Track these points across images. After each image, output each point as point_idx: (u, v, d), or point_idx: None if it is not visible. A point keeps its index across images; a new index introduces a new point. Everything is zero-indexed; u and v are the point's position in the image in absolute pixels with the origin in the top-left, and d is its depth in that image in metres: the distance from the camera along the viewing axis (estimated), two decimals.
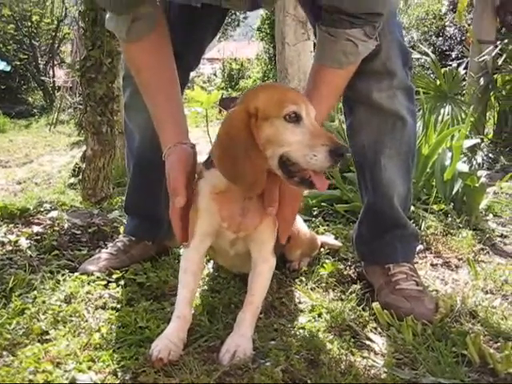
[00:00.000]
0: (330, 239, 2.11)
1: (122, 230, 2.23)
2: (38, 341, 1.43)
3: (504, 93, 3.90)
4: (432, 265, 1.99)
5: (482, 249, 2.13)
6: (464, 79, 4.64)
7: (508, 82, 3.95)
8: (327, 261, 1.95)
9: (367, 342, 1.47)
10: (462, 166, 2.49)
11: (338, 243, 2.08)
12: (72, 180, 4.73)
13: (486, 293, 1.75)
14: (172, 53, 1.53)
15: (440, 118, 3.80)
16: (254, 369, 1.29)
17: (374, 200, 1.69)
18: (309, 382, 1.26)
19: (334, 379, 1.26)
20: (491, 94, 4.02)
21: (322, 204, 2.49)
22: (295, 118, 1.26)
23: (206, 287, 1.77)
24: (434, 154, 2.60)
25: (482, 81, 4.21)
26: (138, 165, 1.89)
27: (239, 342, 1.37)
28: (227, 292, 1.69)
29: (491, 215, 2.49)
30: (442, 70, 4.54)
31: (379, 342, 1.47)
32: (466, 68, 4.72)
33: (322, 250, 2.03)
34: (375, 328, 1.54)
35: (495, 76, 4.16)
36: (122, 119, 3.05)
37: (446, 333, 1.48)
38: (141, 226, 1.97)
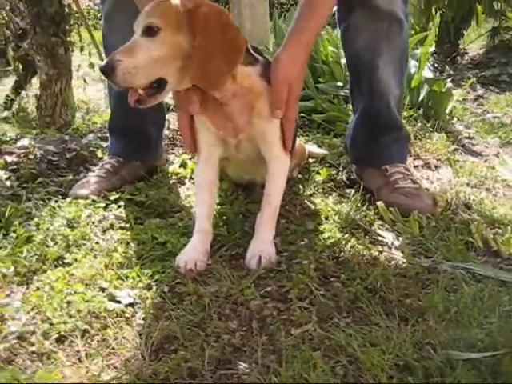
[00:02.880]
0: (314, 148, 2.14)
1: (99, 153, 2.16)
2: (55, 266, 1.39)
3: (446, 3, 3.98)
4: (414, 166, 2.08)
5: (456, 149, 2.24)
6: None
7: None
8: (317, 167, 1.99)
9: (379, 238, 1.54)
10: (428, 73, 2.56)
11: (323, 151, 2.12)
12: (5, 114, 4.42)
13: (472, 187, 1.87)
14: None
15: None
16: (288, 269, 1.34)
17: (372, 103, 1.72)
18: (342, 276, 1.32)
19: (365, 273, 1.32)
20: (433, 5, 4.09)
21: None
22: None
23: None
24: None
25: None
26: None
27: (262, 246, 1.41)
28: (236, 202, 1.70)
29: (455, 119, 2.61)
30: None
31: (389, 237, 1.55)
32: None
33: (309, 159, 2.06)
34: (382, 225, 1.61)
35: None
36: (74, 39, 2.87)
37: (448, 224, 1.58)
38: (128, 146, 1.90)
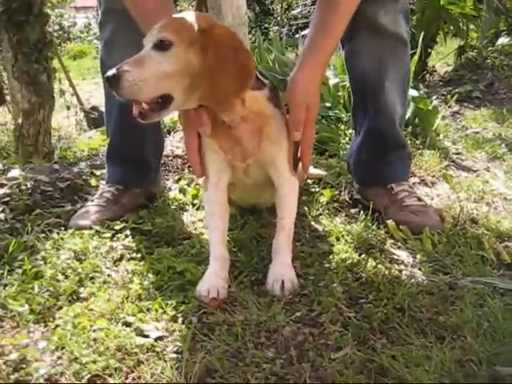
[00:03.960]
0: (312, 169, 2.13)
1: (93, 181, 2.10)
2: (69, 301, 1.33)
3: (415, 24, 4.09)
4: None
5: (448, 165, 2.28)
6: None
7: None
8: (317, 188, 1.98)
9: (395, 257, 1.54)
10: (413, 92, 2.62)
11: (322, 172, 2.12)
12: None
13: (472, 202, 1.90)
14: None
15: None
16: (315, 293, 1.32)
17: (377, 123, 1.73)
18: (370, 297, 1.31)
19: (391, 292, 1.31)
20: None
21: None
22: None
23: None
24: None
25: None
26: (125, 104, 1.74)
27: (282, 270, 1.39)
28: (247, 227, 1.67)
29: (441, 136, 2.66)
30: None
31: (404, 256, 1.55)
32: None
33: (307, 180, 2.06)
34: (394, 244, 1.62)
35: None
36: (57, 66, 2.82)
37: (459, 239, 1.59)
38: (128, 174, 1.86)
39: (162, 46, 1.21)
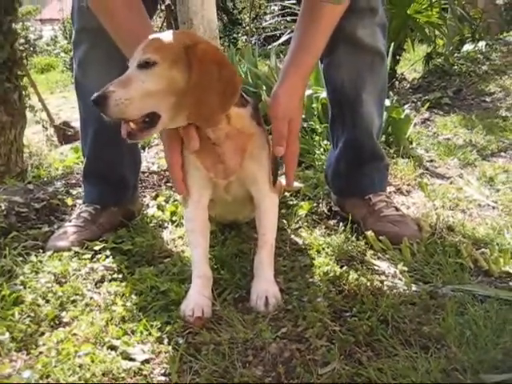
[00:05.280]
0: None
1: (69, 201, 2.07)
2: (52, 327, 1.31)
3: None
4: None
5: (422, 173, 2.32)
6: None
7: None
8: (295, 201, 2.00)
9: (375, 268, 1.56)
10: (385, 101, 2.66)
11: (298, 184, 2.13)
12: None
13: (447, 210, 1.93)
14: None
15: None
16: (299, 308, 1.32)
17: (355, 135, 1.76)
18: (354, 310, 1.32)
19: (374, 304, 1.33)
20: None
21: None
22: None
23: None
24: None
25: None
26: (100, 123, 1.72)
27: (265, 286, 1.39)
28: (229, 244, 1.67)
29: (414, 143, 2.71)
30: None
31: (384, 266, 1.57)
32: None
33: (284, 193, 2.07)
34: (374, 254, 1.63)
35: None
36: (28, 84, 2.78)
37: (437, 247, 1.62)
38: (105, 192, 1.84)
39: (145, 65, 1.21)
